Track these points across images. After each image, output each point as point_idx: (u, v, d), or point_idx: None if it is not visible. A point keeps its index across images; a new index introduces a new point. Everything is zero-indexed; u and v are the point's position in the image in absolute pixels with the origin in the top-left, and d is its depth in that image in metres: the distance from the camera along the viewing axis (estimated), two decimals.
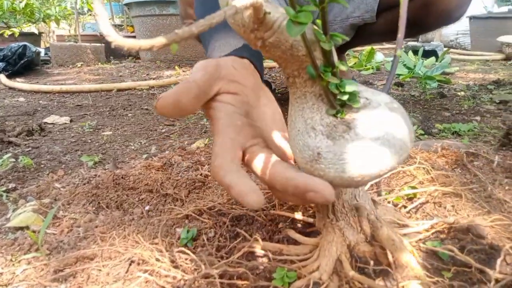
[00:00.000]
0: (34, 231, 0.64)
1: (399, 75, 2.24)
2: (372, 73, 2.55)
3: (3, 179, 0.85)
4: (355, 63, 2.78)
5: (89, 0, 4.12)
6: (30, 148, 1.11)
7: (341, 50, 1.50)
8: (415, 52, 2.65)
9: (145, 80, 2.33)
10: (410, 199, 0.64)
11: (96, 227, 0.61)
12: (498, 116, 1.35)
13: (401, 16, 0.49)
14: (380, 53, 2.75)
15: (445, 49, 3.03)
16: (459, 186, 0.67)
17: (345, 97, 0.38)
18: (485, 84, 1.93)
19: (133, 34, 3.66)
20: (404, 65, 2.34)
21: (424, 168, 0.71)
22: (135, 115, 1.53)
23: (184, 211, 0.60)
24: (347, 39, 0.36)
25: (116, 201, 0.72)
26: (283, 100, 1.65)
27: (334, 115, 0.39)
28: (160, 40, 0.29)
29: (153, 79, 2.25)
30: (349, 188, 0.49)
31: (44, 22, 4.58)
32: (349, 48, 1.54)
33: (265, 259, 0.48)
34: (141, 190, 0.75)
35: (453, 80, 2.13)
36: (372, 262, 0.46)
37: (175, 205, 0.71)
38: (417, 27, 1.23)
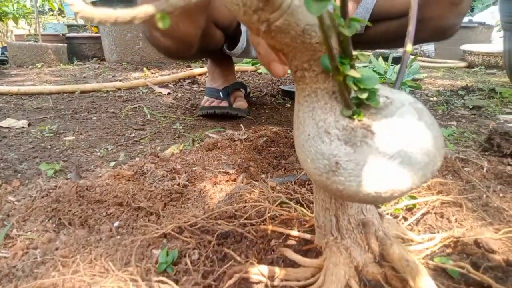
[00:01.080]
0: None
1: None
2: None
3: None
4: None
5: None
6: None
7: None
8: (385, 58, 2.67)
9: (111, 81, 2.20)
10: (410, 209, 0.59)
11: (57, 249, 0.52)
12: (473, 121, 1.35)
13: (412, 8, 0.44)
14: None
15: (412, 56, 3.08)
16: (457, 195, 0.62)
17: (364, 95, 0.32)
18: (455, 90, 1.95)
19: (98, 35, 3.50)
20: (375, 71, 2.35)
21: None
22: (101, 118, 1.42)
23: (162, 229, 0.52)
24: (369, 24, 0.30)
25: (80, 217, 0.63)
26: (258, 105, 1.59)
27: (350, 117, 0.33)
28: (145, 10, 0.22)
29: (120, 80, 2.13)
30: (371, 204, 0.43)
31: (1, 20, 4.30)
32: None
33: (261, 287, 0.41)
34: (109, 203, 0.66)
35: (423, 86, 2.15)
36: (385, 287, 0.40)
37: (149, 220, 0.63)
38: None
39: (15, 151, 1.03)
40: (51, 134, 1.19)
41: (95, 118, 1.43)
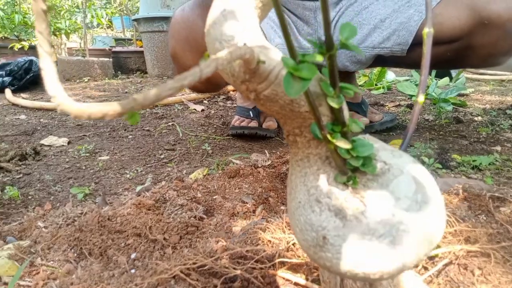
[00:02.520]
0: (6, 283, 0.57)
1: (411, 96, 2.17)
2: (382, 93, 2.47)
3: None
4: (365, 82, 2.71)
5: (98, 14, 4.13)
6: (21, 175, 1.05)
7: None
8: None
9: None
10: (432, 258, 0.56)
11: (72, 283, 0.54)
12: None
13: (424, 56, 0.42)
14: (392, 72, 2.68)
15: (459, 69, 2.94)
16: (486, 243, 0.58)
17: (358, 163, 0.31)
18: (503, 108, 1.84)
19: (141, 49, 3.64)
20: (417, 85, 2.26)
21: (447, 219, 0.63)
22: (135, 137, 1.47)
23: (171, 270, 0.53)
24: (359, 91, 0.28)
25: (100, 247, 0.65)
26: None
27: (345, 183, 0.32)
28: (114, 108, 0.22)
29: None
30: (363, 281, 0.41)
31: (55, 35, 4.60)
32: (363, 69, 1.48)
33: None
34: (128, 233, 0.68)
35: (468, 102, 2.04)
36: None
37: (164, 253, 0.64)
38: (458, 64, 1.17)
39: (52, 171, 1.09)
40: (87, 154, 1.25)
41: (130, 136, 1.48)
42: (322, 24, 1.26)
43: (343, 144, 0.30)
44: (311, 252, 0.30)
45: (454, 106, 1.89)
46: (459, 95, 2.24)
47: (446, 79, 2.41)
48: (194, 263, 0.53)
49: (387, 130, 1.48)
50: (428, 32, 0.41)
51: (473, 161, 1.03)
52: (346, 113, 0.33)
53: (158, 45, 3.21)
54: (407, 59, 1.16)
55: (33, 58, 2.79)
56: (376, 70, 2.61)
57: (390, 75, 2.66)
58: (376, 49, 1.16)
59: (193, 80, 0.22)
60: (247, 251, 0.56)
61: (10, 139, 1.43)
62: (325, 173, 0.32)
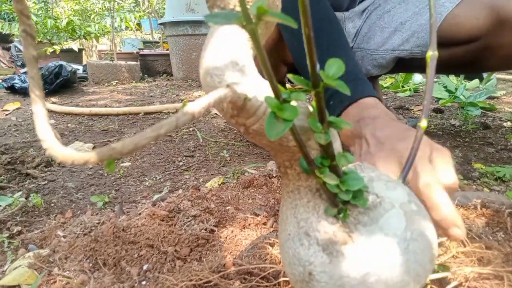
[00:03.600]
0: None
1: (439, 99, 2.10)
2: (409, 96, 2.41)
3: (10, 221, 0.83)
4: (391, 83, 2.66)
5: (126, 18, 4.23)
6: (46, 182, 1.09)
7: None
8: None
9: (175, 101, 2.32)
10: (439, 280, 0.55)
11: None
12: None
13: (428, 80, 0.41)
14: (419, 74, 2.61)
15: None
16: (500, 265, 0.56)
17: (347, 197, 0.31)
18: None
19: (168, 52, 3.70)
20: (445, 87, 2.20)
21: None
22: (157, 143, 1.50)
23: (177, 285, 0.54)
24: (350, 126, 0.28)
25: (114, 258, 0.67)
26: None
27: (336, 216, 0.32)
28: (92, 156, 0.23)
29: (182, 100, 2.23)
30: None
31: (85, 39, 4.75)
32: (386, 74, 1.45)
33: None
34: (141, 244, 0.70)
35: (498, 106, 1.97)
36: None
37: (175, 265, 0.65)
38: (477, 67, 1.14)
39: (75, 178, 1.13)
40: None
41: (152, 142, 1.51)
42: (349, 33, 1.26)
43: (330, 180, 0.30)
44: (298, 287, 0.30)
45: (482, 111, 1.83)
46: (489, 98, 2.16)
47: (476, 81, 2.33)
48: (199, 279, 0.54)
49: None
50: (432, 55, 0.40)
51: (497, 172, 0.99)
52: (337, 145, 0.33)
53: (183, 48, 3.26)
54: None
55: (63, 63, 2.89)
56: None
57: (417, 77, 2.59)
58: (396, 52, 1.14)
59: (169, 129, 0.23)
60: (253, 268, 0.57)
61: (38, 145, 1.49)
62: (315, 205, 0.32)
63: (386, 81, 2.74)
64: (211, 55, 0.33)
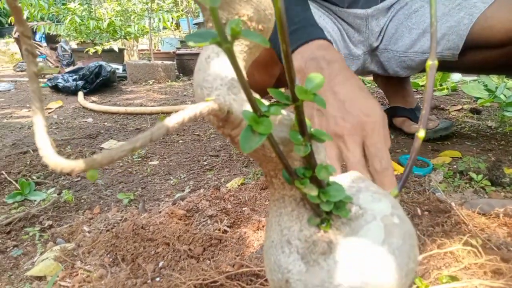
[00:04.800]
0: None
1: (478, 98, 2.02)
2: (446, 95, 2.33)
3: (42, 215, 0.89)
4: None
5: (164, 18, 4.35)
6: (79, 178, 1.16)
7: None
8: None
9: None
10: None
11: None
12: None
13: (427, 90, 0.41)
14: (457, 73, 2.51)
15: None
16: None
17: (328, 208, 0.31)
18: None
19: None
20: (485, 86, 2.10)
21: (472, 247, 0.59)
22: (185, 142, 1.54)
23: (185, 283, 0.56)
24: (330, 139, 0.29)
25: (132, 254, 0.70)
26: None
27: (318, 226, 0.32)
28: (79, 165, 0.25)
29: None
30: None
31: (126, 39, 4.93)
32: (414, 74, 1.41)
33: None
34: (158, 242, 0.73)
35: None
36: None
37: (189, 264, 0.67)
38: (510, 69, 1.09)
39: (106, 175, 1.19)
40: (139, 159, 1.34)
41: (181, 141, 1.56)
42: (373, 31, 1.24)
43: (310, 191, 0.30)
44: None
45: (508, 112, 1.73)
46: None
47: None
48: (205, 279, 0.56)
49: (441, 139, 1.39)
50: (431, 64, 0.39)
51: None
52: (321, 156, 0.33)
53: None
54: (460, 64, 1.10)
55: (103, 63, 3.02)
56: None
57: (456, 75, 2.49)
58: (426, 54, 1.11)
59: (144, 142, 0.25)
60: (259, 270, 0.58)
61: (75, 142, 1.58)
62: (299, 214, 0.33)
63: (422, 79, 2.65)
64: (203, 68, 0.34)
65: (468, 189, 0.89)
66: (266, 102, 0.31)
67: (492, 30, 0.96)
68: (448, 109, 1.92)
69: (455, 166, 1.05)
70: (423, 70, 1.25)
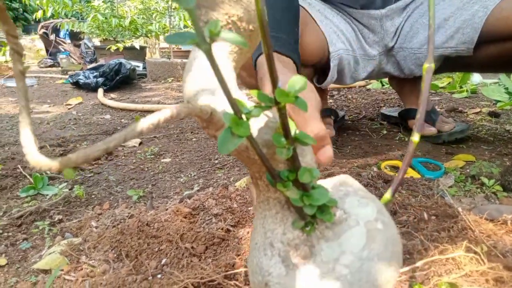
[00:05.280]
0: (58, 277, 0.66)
1: (498, 101, 1.96)
2: (466, 97, 2.27)
3: (53, 210, 0.91)
4: (448, 83, 2.51)
5: (185, 17, 4.39)
6: (92, 174, 1.18)
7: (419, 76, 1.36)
8: None
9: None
10: None
11: (101, 284, 0.61)
12: None
13: (422, 93, 0.40)
14: (478, 74, 2.44)
15: None
16: None
17: (311, 211, 0.31)
18: None
19: None
20: (506, 89, 2.04)
21: (475, 253, 0.57)
22: (199, 140, 1.55)
23: (183, 281, 0.57)
24: (315, 143, 0.29)
25: (136, 250, 0.71)
26: (350, 130, 1.54)
27: (302, 229, 0.32)
28: (55, 164, 0.26)
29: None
30: None
31: (147, 37, 5.00)
32: (434, 74, 1.39)
33: None
34: (162, 239, 0.74)
35: None
36: None
37: (191, 261, 0.68)
38: None
39: (119, 172, 1.21)
40: (152, 156, 1.36)
41: (194, 139, 1.57)
42: (388, 32, 1.22)
43: (292, 194, 0.30)
44: None
45: None
46: None
47: None
48: (203, 278, 0.56)
49: (456, 142, 1.36)
50: (428, 67, 0.38)
51: None
52: (307, 159, 0.33)
53: None
54: (475, 60, 1.08)
55: (123, 60, 3.07)
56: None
57: (476, 77, 2.43)
58: (440, 49, 1.09)
59: (118, 143, 0.25)
60: None
61: (92, 138, 1.61)
62: (283, 217, 0.33)
63: (442, 81, 2.59)
64: (189, 69, 0.35)
65: (479, 194, 0.86)
66: (250, 104, 0.31)
67: (507, 21, 0.94)
68: (466, 112, 1.87)
69: (467, 170, 1.03)
70: (439, 69, 1.22)
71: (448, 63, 1.16)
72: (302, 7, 1.12)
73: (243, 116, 0.28)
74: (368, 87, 2.53)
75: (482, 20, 0.99)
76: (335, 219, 0.32)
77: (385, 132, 1.51)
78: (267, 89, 0.62)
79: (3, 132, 1.74)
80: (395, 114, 1.61)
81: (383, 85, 2.56)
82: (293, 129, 0.31)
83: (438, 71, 1.29)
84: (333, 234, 0.31)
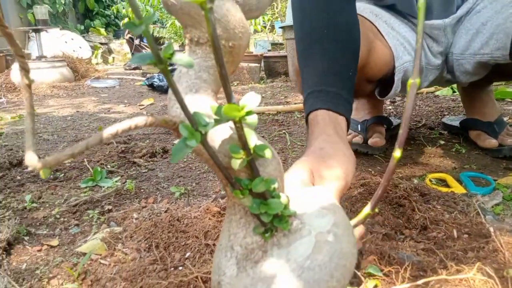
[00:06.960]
0: (91, 259, 0.75)
1: None
2: None
3: (104, 200, 1.02)
4: None
5: (256, 21, 4.50)
6: (146, 170, 1.29)
7: (481, 83, 1.26)
8: None
9: (281, 102, 2.41)
10: None
11: (125, 270, 0.68)
12: None
13: (406, 109, 0.39)
14: None
15: None
16: None
17: (268, 219, 0.33)
18: None
19: (286, 54, 3.82)
20: None
21: (490, 277, 0.54)
22: None
23: (193, 273, 0.61)
24: (274, 155, 0.32)
25: (165, 242, 0.78)
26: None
27: (262, 235, 0.34)
28: (38, 164, 0.31)
29: (287, 103, 2.31)
30: None
31: None
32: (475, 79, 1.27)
33: None
34: (190, 234, 0.79)
35: None
36: None
37: (211, 257, 0.72)
38: None
39: (170, 169, 1.30)
40: None
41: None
42: (452, 41, 1.16)
43: (246, 202, 0.32)
44: None
45: None
46: None
47: None
48: (209, 273, 0.60)
49: None
50: (412, 83, 0.38)
51: None
52: (270, 169, 0.35)
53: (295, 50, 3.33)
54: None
55: None
56: None
57: None
58: (477, 56, 1.02)
59: (81, 149, 0.30)
60: None
61: (154, 137, 1.74)
62: (247, 222, 0.35)
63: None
64: (174, 82, 0.38)
65: None
66: (213, 117, 0.34)
67: None
68: None
69: None
70: (487, 77, 1.14)
71: (495, 71, 1.09)
72: (369, 20, 1.11)
73: (201, 128, 0.31)
74: (436, 93, 2.39)
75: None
76: (291, 228, 0.33)
77: (442, 142, 1.43)
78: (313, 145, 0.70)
79: (81, 128, 1.95)
80: (457, 123, 1.51)
81: (454, 92, 2.39)
82: (253, 141, 0.33)
83: (487, 79, 1.20)
84: (287, 242, 0.33)
